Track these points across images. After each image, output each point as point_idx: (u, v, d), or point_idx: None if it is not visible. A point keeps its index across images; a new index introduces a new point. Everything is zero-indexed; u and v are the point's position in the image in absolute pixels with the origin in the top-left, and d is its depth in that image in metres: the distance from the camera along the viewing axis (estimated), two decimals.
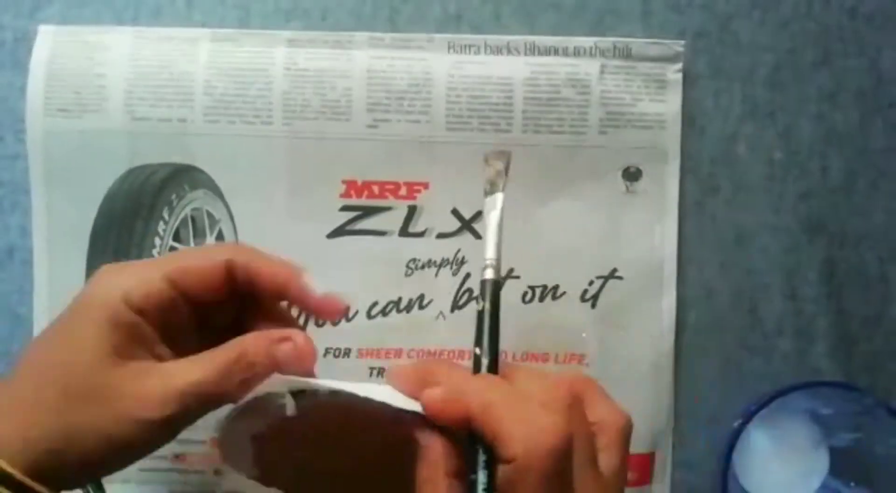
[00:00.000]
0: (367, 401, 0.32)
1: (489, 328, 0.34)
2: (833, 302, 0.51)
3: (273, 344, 0.35)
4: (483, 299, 0.35)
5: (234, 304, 0.38)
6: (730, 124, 0.51)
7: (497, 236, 0.36)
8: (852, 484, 0.50)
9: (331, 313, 0.37)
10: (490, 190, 0.38)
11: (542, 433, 0.30)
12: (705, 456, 0.51)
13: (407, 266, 0.50)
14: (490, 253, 0.36)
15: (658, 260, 0.51)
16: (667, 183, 0.50)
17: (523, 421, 0.30)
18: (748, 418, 0.47)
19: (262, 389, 0.34)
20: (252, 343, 0.35)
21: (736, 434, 0.47)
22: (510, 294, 0.50)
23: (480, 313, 0.35)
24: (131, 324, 0.34)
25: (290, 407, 0.34)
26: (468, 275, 0.50)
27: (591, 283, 0.50)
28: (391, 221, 0.50)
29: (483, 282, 0.35)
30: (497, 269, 0.36)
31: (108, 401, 0.32)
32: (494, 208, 0.37)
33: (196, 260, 0.36)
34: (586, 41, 0.50)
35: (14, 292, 0.52)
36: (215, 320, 0.38)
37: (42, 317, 0.51)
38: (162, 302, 0.34)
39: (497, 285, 0.35)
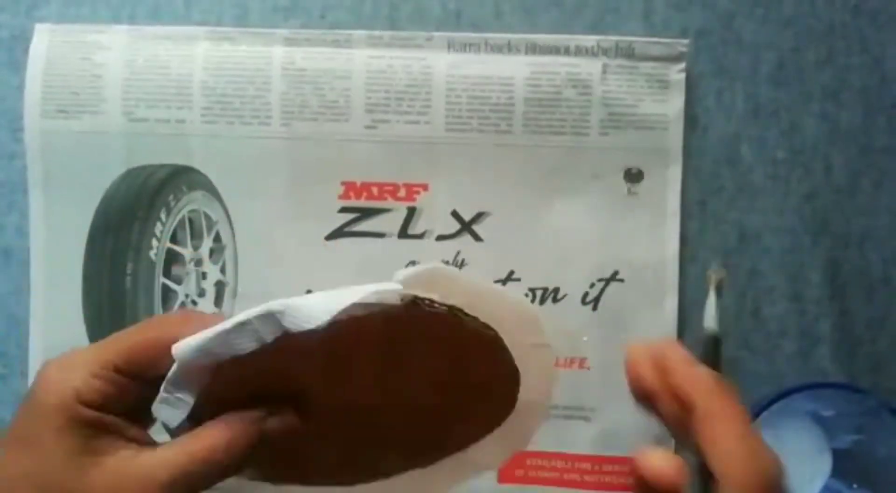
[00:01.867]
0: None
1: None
2: (836, 303, 0.51)
3: (257, 420, 0.33)
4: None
5: None
6: (732, 124, 0.51)
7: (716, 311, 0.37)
8: (855, 486, 0.49)
9: None
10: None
11: (765, 460, 0.29)
12: None
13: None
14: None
15: (660, 261, 0.50)
16: (669, 184, 0.50)
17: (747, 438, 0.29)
18: (751, 419, 0.46)
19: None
20: (235, 421, 0.33)
21: None
22: None
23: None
24: (92, 420, 0.31)
25: None
26: None
27: (592, 285, 0.50)
28: (390, 222, 0.50)
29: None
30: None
31: None
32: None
33: (142, 340, 0.34)
34: (588, 40, 0.50)
35: (11, 293, 0.51)
36: None
37: (37, 318, 0.51)
38: (116, 392, 0.32)
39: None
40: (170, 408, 0.34)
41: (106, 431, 0.32)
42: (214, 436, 0.32)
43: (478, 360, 0.36)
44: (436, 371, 0.37)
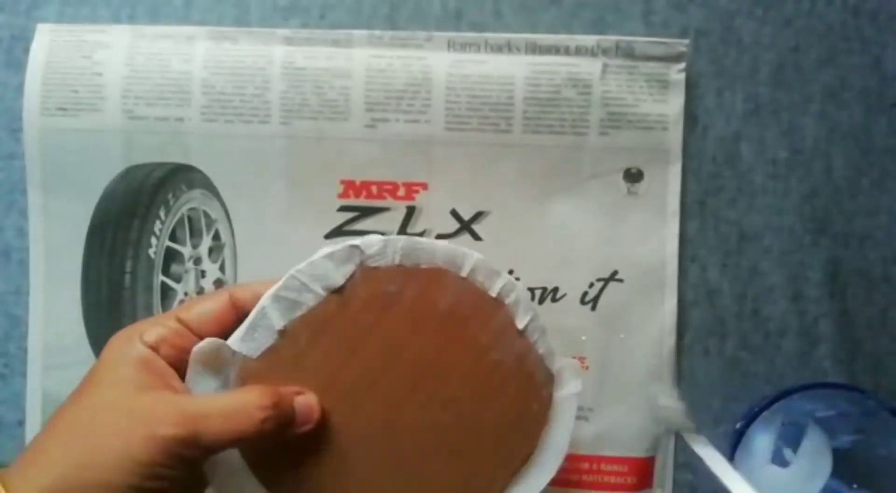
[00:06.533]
0: None
1: None
2: (837, 303, 0.51)
3: (290, 395, 0.37)
4: None
5: None
6: (732, 124, 0.51)
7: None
8: (855, 486, 0.49)
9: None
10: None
11: None
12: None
13: None
14: None
15: (659, 261, 0.50)
16: (669, 184, 0.50)
17: None
18: (751, 419, 0.46)
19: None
20: (273, 391, 0.36)
21: (738, 436, 0.46)
22: None
23: None
24: (147, 358, 0.36)
25: None
26: None
27: (591, 285, 0.50)
28: (390, 221, 0.50)
29: None
30: None
31: (127, 423, 0.33)
32: None
33: (202, 300, 0.39)
34: (588, 40, 0.50)
35: (11, 292, 0.51)
36: None
37: (37, 317, 0.50)
38: (174, 339, 0.37)
39: None
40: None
41: (157, 373, 0.36)
42: (249, 394, 0.36)
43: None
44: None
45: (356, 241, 0.39)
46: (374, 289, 0.39)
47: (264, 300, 0.38)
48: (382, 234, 0.50)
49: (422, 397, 0.39)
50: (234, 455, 0.37)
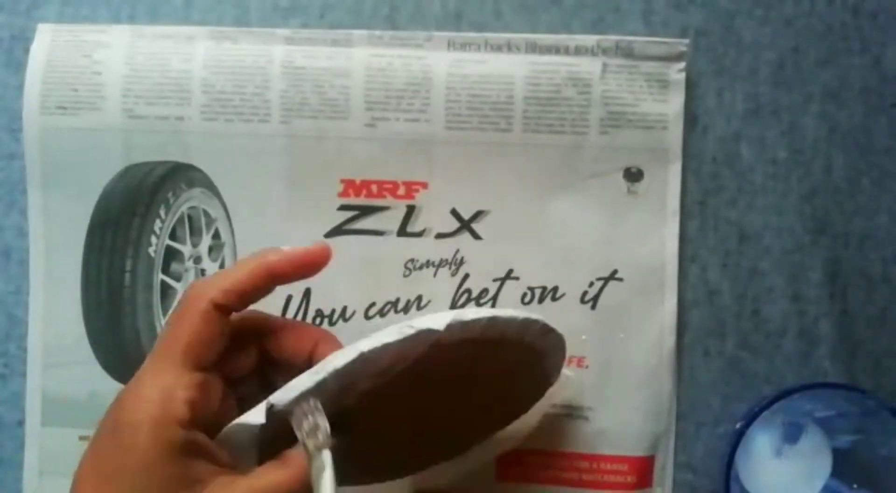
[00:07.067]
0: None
1: None
2: (837, 303, 0.51)
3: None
4: None
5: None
6: (732, 124, 0.51)
7: None
8: (855, 486, 0.49)
9: (317, 260, 0.37)
10: (313, 448, 0.33)
11: None
12: (707, 458, 0.51)
13: (405, 267, 0.50)
14: None
15: (659, 261, 0.50)
16: (669, 183, 0.50)
17: None
18: (751, 419, 0.46)
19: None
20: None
21: (738, 436, 0.46)
22: (509, 295, 0.50)
23: None
24: (186, 443, 0.31)
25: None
26: (467, 276, 0.50)
27: (591, 284, 0.50)
28: (389, 220, 0.50)
29: None
30: None
31: None
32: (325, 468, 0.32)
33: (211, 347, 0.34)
34: (588, 40, 0.50)
35: (11, 292, 0.51)
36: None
37: (37, 317, 0.50)
38: (203, 397, 0.33)
39: None
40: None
41: (199, 454, 0.31)
42: (301, 464, 0.32)
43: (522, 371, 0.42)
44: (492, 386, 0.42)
45: (434, 326, 0.35)
46: (429, 352, 0.36)
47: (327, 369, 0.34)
48: (381, 233, 0.51)
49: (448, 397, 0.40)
50: None
